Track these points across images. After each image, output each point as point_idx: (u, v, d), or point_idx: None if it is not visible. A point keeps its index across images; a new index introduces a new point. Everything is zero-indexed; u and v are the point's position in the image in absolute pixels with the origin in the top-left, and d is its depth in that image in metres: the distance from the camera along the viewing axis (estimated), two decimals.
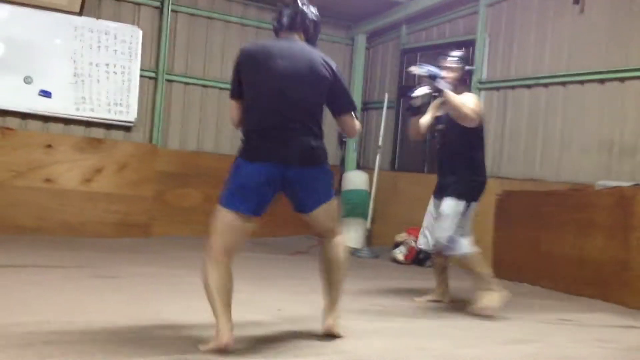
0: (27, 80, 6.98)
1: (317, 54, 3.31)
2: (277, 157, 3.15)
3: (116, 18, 7.50)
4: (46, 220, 7.01)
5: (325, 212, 3.36)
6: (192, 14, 7.98)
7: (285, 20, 3.34)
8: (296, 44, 3.31)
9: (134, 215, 7.46)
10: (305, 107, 3.23)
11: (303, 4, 3.36)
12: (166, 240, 7.33)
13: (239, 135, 3.30)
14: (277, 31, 3.39)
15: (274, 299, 4.51)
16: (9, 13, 6.88)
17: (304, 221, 3.41)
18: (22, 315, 3.42)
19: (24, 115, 7.06)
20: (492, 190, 6.50)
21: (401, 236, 7.24)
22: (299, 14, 3.33)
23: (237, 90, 3.29)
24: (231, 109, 3.33)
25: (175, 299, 4.21)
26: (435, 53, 7.70)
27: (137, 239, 7.26)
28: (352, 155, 8.73)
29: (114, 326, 3.35)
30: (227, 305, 3.05)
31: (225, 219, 3.15)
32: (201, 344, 3.04)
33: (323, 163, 3.37)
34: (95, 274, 4.94)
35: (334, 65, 3.37)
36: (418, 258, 7.00)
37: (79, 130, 7.36)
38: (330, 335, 3.42)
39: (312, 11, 3.39)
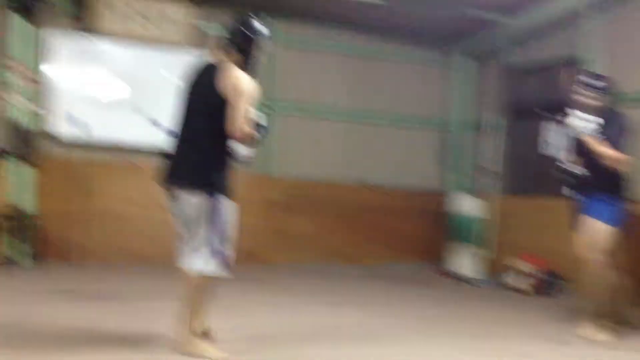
0: (153, 119, 7.29)
1: None
2: None
3: None
4: (170, 250, 7.19)
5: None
6: (302, 46, 8.16)
7: None
8: None
9: (248, 244, 7.64)
10: None
11: None
12: (282, 269, 7.47)
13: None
14: None
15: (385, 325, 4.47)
16: (135, 55, 7.26)
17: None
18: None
19: (151, 152, 7.42)
20: None
21: (518, 263, 6.98)
22: None
23: None
24: None
25: (295, 328, 4.26)
26: (542, 71, 7.45)
27: (254, 267, 7.44)
28: (458, 179, 8.57)
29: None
30: None
31: None
32: None
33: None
34: (216, 303, 5.08)
35: None
36: (543, 288, 6.60)
37: None
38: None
39: None
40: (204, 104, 3.43)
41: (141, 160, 7.38)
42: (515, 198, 7.77)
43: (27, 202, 6.68)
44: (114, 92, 7.27)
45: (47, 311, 4.45)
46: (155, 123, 6.95)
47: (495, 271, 7.49)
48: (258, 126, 3.52)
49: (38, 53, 6.94)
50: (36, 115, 6.81)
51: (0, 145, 6.67)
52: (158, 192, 7.12)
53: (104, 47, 7.16)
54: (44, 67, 6.94)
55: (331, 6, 7.57)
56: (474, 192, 8.33)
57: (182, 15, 7.25)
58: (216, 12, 7.71)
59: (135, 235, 7.22)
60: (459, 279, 7.51)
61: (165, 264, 7.15)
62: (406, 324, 4.73)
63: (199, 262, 3.37)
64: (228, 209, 3.44)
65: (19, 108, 6.67)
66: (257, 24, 3.60)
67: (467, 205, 7.86)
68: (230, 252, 3.48)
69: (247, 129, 3.37)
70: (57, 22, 7.07)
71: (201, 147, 3.36)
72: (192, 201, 3.33)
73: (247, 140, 3.44)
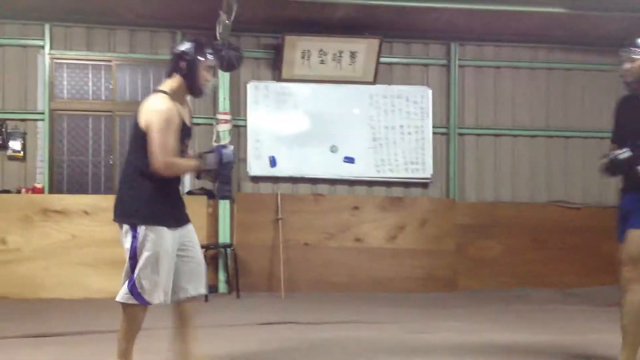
0: (333, 149, 7.67)
1: None
2: None
3: (406, 81, 7.89)
4: (356, 277, 7.49)
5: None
6: (479, 66, 8.02)
7: None
8: None
9: (438, 269, 7.58)
10: None
11: None
12: (471, 294, 7.28)
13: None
14: None
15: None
16: (313, 90, 7.67)
17: None
18: None
19: (332, 181, 7.74)
20: None
21: None
22: None
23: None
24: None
25: (480, 356, 4.12)
26: None
27: (442, 293, 7.34)
28: None
29: None
30: None
31: None
32: None
33: None
34: (406, 329, 5.09)
35: None
36: None
37: (381, 191, 7.81)
38: None
39: None
40: (131, 137, 3.41)
41: (323, 190, 7.69)
42: None
43: (224, 233, 7.30)
44: (300, 128, 7.67)
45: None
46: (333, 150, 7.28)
47: None
48: (208, 156, 3.40)
49: (240, 102, 7.62)
50: (237, 157, 7.44)
51: (210, 189, 7.30)
52: (342, 220, 7.48)
53: (296, 89, 7.63)
54: (246, 114, 7.58)
55: (511, 22, 7.33)
56: None
57: (365, 51, 7.49)
58: (399, 46, 7.89)
59: (321, 263, 7.47)
60: None
61: (353, 291, 7.36)
62: None
63: (122, 292, 3.25)
64: (154, 239, 3.22)
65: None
66: (199, 46, 3.36)
67: None
68: (148, 281, 3.21)
69: (171, 161, 3.19)
70: (257, 74, 7.70)
71: (127, 181, 3.34)
72: (122, 233, 3.30)
73: (176, 172, 3.30)
